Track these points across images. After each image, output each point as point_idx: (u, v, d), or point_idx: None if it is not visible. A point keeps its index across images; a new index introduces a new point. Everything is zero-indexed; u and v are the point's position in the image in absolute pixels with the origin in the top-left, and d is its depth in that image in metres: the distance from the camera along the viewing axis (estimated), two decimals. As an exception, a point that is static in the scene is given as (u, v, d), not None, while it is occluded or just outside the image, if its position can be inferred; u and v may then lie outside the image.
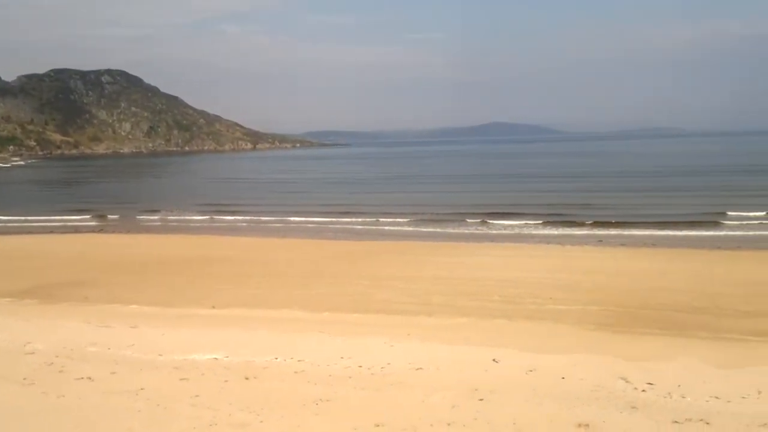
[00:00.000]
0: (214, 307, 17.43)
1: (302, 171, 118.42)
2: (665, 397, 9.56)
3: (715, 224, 35.13)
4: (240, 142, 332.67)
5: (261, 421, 8.73)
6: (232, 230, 39.23)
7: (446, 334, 14.12)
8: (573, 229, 35.29)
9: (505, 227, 36.81)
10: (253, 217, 44.75)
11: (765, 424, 8.47)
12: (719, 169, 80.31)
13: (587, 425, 8.47)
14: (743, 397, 9.57)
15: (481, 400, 9.45)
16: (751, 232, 32.64)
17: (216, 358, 11.74)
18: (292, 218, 43.41)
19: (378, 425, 8.53)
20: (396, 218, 41.59)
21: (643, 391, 9.88)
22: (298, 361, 11.49)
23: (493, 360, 11.58)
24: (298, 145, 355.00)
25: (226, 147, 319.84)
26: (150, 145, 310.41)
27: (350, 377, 10.62)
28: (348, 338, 13.40)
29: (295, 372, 10.90)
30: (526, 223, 37.69)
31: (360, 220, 41.47)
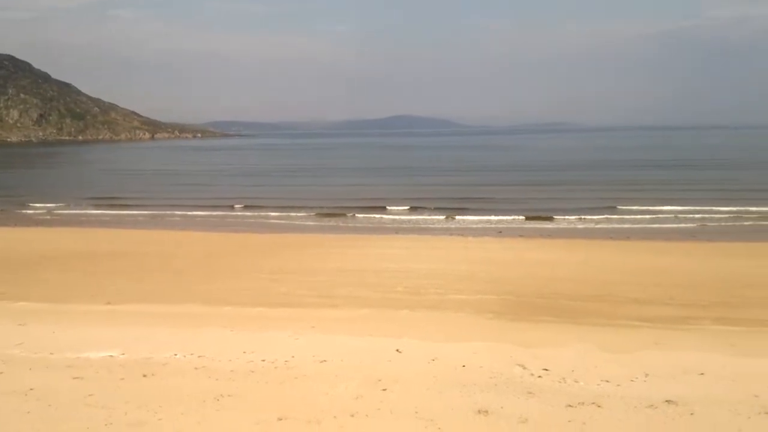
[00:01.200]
0: (109, 303, 16.78)
1: (203, 162, 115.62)
2: (560, 382, 9.94)
3: (607, 216, 36.81)
4: (137, 132, 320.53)
5: (159, 419, 8.49)
6: (128, 223, 37.80)
7: (350, 326, 14.16)
8: (474, 221, 36.13)
9: (409, 220, 37.34)
10: (150, 211, 43.15)
11: (651, 405, 8.92)
12: (612, 163, 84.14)
13: (486, 411, 8.69)
14: (632, 380, 10.07)
15: (384, 390, 9.54)
16: (638, 225, 34.40)
17: (111, 356, 11.31)
18: (191, 212, 42.25)
19: (281, 419, 8.47)
20: (298, 211, 41.34)
21: (539, 377, 10.23)
22: (199, 356, 11.23)
23: (397, 350, 11.70)
24: (199, 135, 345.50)
25: (123, 136, 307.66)
26: (40, 134, 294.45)
27: (253, 371, 10.48)
28: (250, 332, 13.21)
29: (196, 368, 10.66)
30: (430, 216, 38.35)
31: (263, 214, 40.92)
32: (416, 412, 8.68)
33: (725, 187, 49.44)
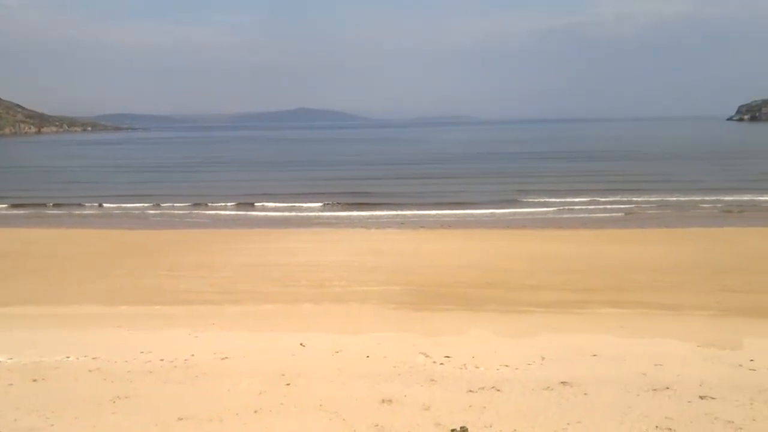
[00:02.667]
0: (-9, 307, 15.84)
1: (92, 156, 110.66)
2: (461, 369, 10.16)
3: (506, 206, 37.87)
4: (22, 126, 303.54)
5: (52, 425, 8.10)
6: (11, 222, 35.77)
7: (253, 322, 13.98)
8: (377, 214, 36.35)
9: (312, 210, 37.19)
10: (36, 210, 40.93)
11: (548, 387, 9.24)
12: (511, 155, 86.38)
13: (390, 400, 8.76)
14: (529, 364, 10.41)
15: (288, 384, 9.46)
16: (536, 215, 35.63)
17: (-2, 361, 10.71)
18: (78, 212, 40.29)
19: (181, 418, 8.25)
20: (199, 208, 40.39)
21: (441, 364, 10.42)
22: (93, 358, 10.79)
23: (300, 344, 11.63)
24: (89, 128, 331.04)
25: (6, 131, 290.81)
26: None
27: (151, 372, 10.16)
28: (148, 332, 12.81)
29: (90, 370, 10.23)
30: (333, 209, 38.31)
31: (158, 212, 39.61)
32: (320, 405, 8.66)
33: (617, 179, 51.67)
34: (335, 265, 20.60)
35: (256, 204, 41.03)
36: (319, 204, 40.25)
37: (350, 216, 35.91)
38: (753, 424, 7.86)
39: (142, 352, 11.13)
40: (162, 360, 10.72)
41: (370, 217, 34.99)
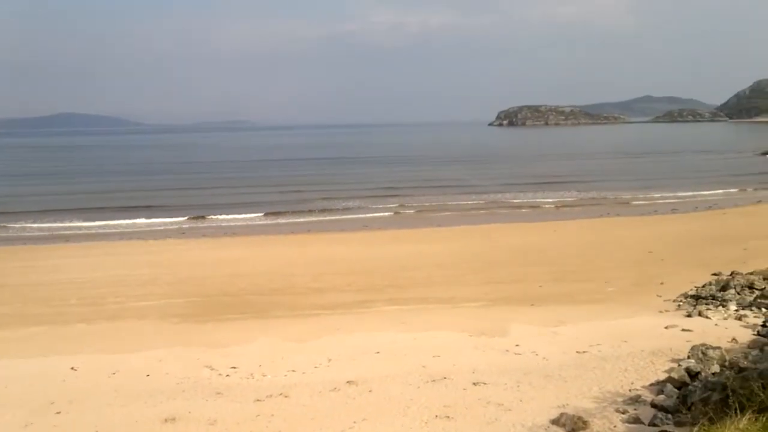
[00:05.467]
0: None
1: None
2: (248, 378, 10.04)
3: (294, 211, 37.91)
4: None
5: None
6: None
7: (17, 347, 12.77)
8: (156, 222, 34.72)
9: (83, 226, 34.45)
10: None
11: (335, 388, 9.40)
12: (288, 161, 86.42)
13: (174, 419, 8.42)
14: (316, 367, 10.54)
15: (58, 413, 8.74)
16: (322, 218, 36.16)
17: None
18: None
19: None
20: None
21: (228, 375, 10.22)
22: None
23: (72, 368, 10.81)
24: None
25: None
26: None
27: None
28: None
29: None
30: (105, 221, 35.69)
31: None
32: (96, 431, 8.09)
33: (387, 182, 53.81)
34: (110, 281, 19.40)
35: (9, 225, 35.70)
36: (87, 216, 36.93)
37: (124, 226, 33.84)
38: (520, 404, 8.58)
39: None
40: None
41: (147, 227, 33.28)
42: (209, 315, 15.49)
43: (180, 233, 31.14)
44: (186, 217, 35.69)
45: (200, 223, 34.51)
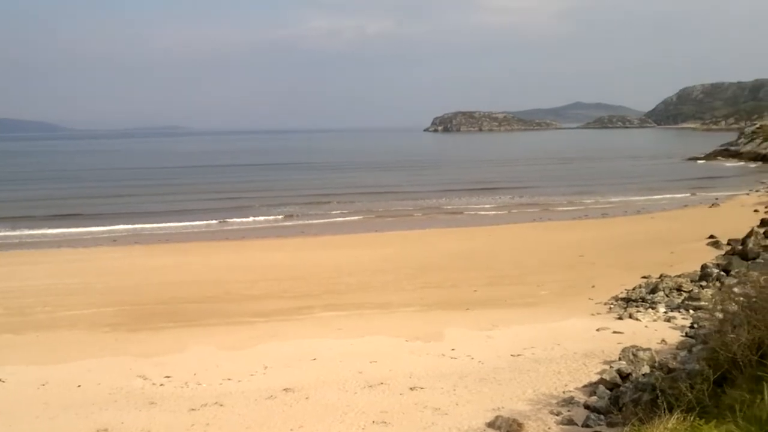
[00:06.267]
0: None
1: None
2: (182, 387, 9.87)
3: (224, 218, 37.38)
4: None
5: None
6: None
7: (-65, 362, 12.19)
8: (85, 231, 33.68)
9: (5, 236, 33.04)
10: None
11: (271, 396, 9.34)
12: (222, 167, 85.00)
13: (106, 430, 8.24)
14: (252, 375, 10.44)
15: (-18, 429, 8.41)
16: (254, 225, 35.81)
17: None
18: None
19: None
20: None
21: (161, 385, 10.03)
22: None
23: (-2, 381, 10.43)
24: None
25: None
26: None
27: None
28: None
29: None
30: (30, 229, 34.40)
31: None
32: (23, 446, 7.84)
33: (319, 188, 53.75)
34: (38, 290, 18.77)
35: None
36: (10, 225, 35.64)
37: (53, 235, 32.71)
38: (456, 408, 8.70)
39: None
40: None
41: (76, 236, 32.25)
42: (142, 324, 15.15)
43: (111, 241, 30.34)
44: (117, 225, 34.66)
45: (132, 231, 33.58)
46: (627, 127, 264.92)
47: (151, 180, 65.33)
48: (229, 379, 10.19)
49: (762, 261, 17.78)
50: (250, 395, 9.40)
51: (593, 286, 17.73)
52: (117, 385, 10.05)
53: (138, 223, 34.95)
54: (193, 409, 8.89)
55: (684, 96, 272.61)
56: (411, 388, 9.51)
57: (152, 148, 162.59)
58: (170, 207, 42.55)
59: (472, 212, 38.65)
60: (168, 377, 10.35)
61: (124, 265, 23.10)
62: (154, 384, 10.06)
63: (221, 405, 9.02)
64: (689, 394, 6.15)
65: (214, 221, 36.22)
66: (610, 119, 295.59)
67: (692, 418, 5.51)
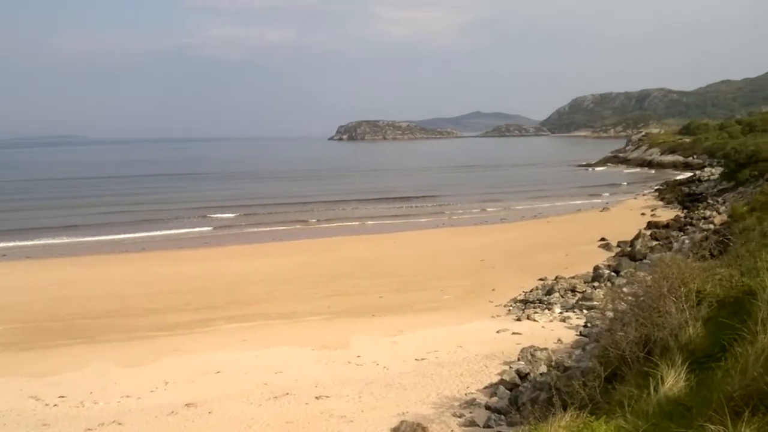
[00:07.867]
0: None
1: None
2: (78, 407, 9.49)
3: (128, 232, 36.07)
4: None
5: None
6: None
7: None
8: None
9: None
10: None
11: (172, 411, 9.11)
12: (130, 177, 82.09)
13: (-6, 457, 7.79)
14: (152, 391, 10.15)
15: None
16: (153, 239, 34.74)
17: None
18: None
19: None
20: None
21: (56, 405, 9.61)
22: None
23: None
24: None
25: None
26: None
27: None
28: None
29: None
30: None
31: None
32: None
33: (220, 197, 52.93)
34: None
35: None
36: None
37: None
38: (362, 415, 8.75)
39: None
40: None
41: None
42: (34, 342, 14.42)
43: (1, 255, 28.74)
44: (6, 242, 32.70)
45: (23, 245, 31.87)
46: (524, 136, 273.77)
47: (42, 193, 62.17)
48: (128, 397, 9.87)
49: (649, 261, 18.81)
50: (150, 412, 9.14)
51: (493, 290, 18.22)
52: (7, 408, 9.56)
53: (27, 240, 33.10)
54: (89, 429, 8.57)
55: (576, 105, 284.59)
56: (317, 398, 9.50)
57: (43, 159, 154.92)
58: (62, 222, 40.54)
59: (378, 221, 38.90)
60: (62, 397, 9.93)
61: (15, 281, 21.94)
62: (47, 405, 9.63)
63: (120, 423, 8.73)
64: (582, 392, 6.41)
65: (112, 236, 34.80)
66: (507, 128, 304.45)
67: (585, 415, 5.74)
